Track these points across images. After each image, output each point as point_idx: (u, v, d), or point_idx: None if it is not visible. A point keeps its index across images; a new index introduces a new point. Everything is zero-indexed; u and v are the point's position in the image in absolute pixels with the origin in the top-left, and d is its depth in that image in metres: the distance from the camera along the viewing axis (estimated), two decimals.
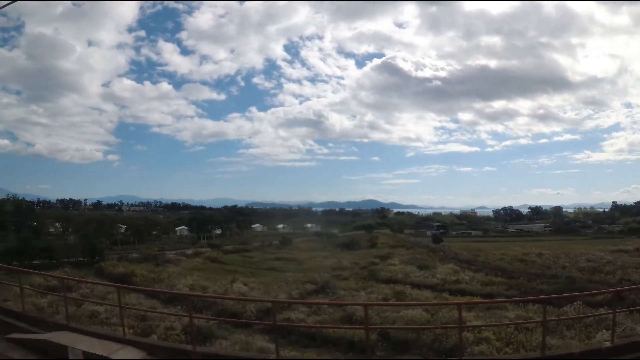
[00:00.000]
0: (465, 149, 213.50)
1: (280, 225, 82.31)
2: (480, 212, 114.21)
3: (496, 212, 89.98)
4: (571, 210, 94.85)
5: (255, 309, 21.50)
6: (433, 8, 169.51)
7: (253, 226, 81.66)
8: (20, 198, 74.39)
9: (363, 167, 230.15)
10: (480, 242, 56.30)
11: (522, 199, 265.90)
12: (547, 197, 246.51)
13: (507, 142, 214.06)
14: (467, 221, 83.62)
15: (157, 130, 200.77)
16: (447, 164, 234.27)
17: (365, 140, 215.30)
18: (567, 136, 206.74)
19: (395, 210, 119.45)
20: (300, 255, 44.34)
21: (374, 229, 72.12)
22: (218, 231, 74.11)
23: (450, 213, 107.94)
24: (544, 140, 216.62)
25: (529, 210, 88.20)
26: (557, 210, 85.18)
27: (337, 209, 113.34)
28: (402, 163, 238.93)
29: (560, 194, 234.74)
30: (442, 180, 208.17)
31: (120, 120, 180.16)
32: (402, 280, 31.22)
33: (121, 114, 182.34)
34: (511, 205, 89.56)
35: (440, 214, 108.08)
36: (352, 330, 16.90)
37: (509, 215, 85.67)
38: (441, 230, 68.21)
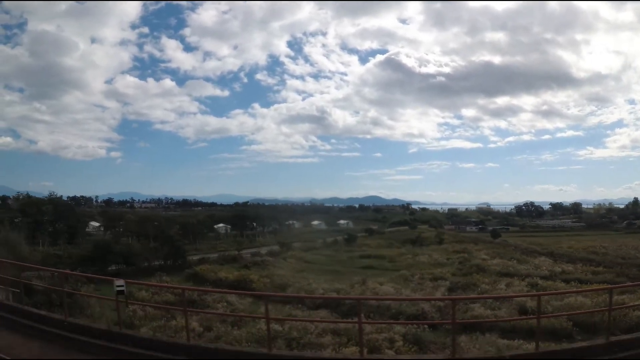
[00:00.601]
0: (468, 145, 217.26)
1: (316, 222, 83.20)
2: (480, 208, 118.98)
3: (518, 207, 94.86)
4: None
5: (434, 309, 22.27)
6: (437, 4, 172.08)
7: (288, 223, 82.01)
8: (57, 196, 71.21)
9: (365, 163, 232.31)
10: (527, 237, 59.64)
11: (525, 195, 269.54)
12: (549, 193, 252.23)
13: (510, 138, 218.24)
14: (492, 217, 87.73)
15: (160, 127, 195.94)
16: (450, 160, 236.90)
17: (368, 136, 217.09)
18: (570, 132, 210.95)
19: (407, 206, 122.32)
20: (382, 252, 45.69)
21: (414, 226, 74.30)
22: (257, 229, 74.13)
23: (466, 209, 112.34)
24: (547, 137, 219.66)
25: (550, 206, 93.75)
26: (577, 206, 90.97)
27: (356, 206, 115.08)
28: (404, 159, 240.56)
29: (563, 190, 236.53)
30: (444, 176, 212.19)
31: (123, 117, 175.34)
32: (514, 273, 33.30)
33: (124, 111, 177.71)
34: (532, 201, 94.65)
35: (455, 209, 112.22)
36: (548, 320, 18.64)
37: (530, 211, 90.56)
38: (480, 226, 71.45)
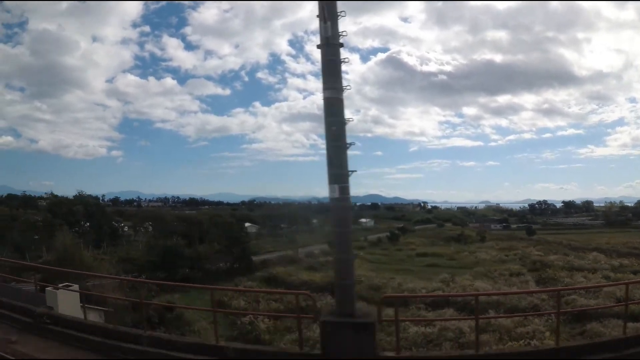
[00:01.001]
0: (469, 143, 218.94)
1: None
2: (481, 207, 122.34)
3: (532, 205, 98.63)
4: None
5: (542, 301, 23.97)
6: (439, 3, 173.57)
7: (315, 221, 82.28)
8: (85, 194, 68.79)
9: (366, 162, 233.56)
10: (555, 234, 62.35)
11: (525, 193, 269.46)
12: (550, 191, 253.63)
13: (511, 137, 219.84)
14: (508, 215, 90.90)
15: (160, 125, 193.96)
16: (450, 159, 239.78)
17: (369, 134, 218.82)
18: (571, 131, 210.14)
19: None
20: (436, 251, 47.14)
21: (441, 224, 76.29)
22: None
23: (475, 207, 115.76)
24: (547, 135, 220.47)
25: (562, 204, 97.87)
26: (588, 204, 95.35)
27: (368, 204, 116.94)
28: (405, 158, 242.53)
29: (564, 188, 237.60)
30: (445, 174, 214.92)
31: (124, 116, 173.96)
32: (579, 267, 35.41)
33: (125, 110, 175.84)
34: (545, 200, 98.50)
35: (465, 207, 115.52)
36: None
37: (544, 209, 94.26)
38: (504, 224, 74.20)
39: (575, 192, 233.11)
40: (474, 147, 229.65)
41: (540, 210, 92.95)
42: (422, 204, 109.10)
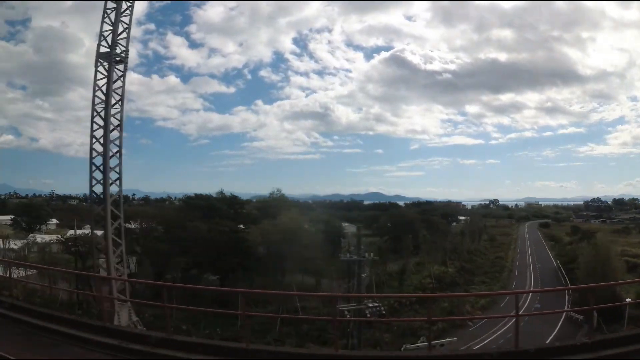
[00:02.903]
0: (470, 141, 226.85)
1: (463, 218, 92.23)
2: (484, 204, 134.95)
3: (586, 202, 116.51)
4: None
5: None
6: (445, 2, 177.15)
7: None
8: (224, 193, 62.03)
9: (367, 160, 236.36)
10: None
11: (526, 191, 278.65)
12: (550, 189, 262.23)
13: (512, 135, 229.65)
14: (572, 211, 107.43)
15: (162, 124, 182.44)
16: (451, 157, 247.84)
17: (371, 132, 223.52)
18: (572, 129, 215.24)
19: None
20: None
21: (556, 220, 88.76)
22: None
23: (516, 205, 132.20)
24: (548, 133, 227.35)
25: (613, 201, 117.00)
26: (635, 201, 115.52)
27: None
28: (406, 155, 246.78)
29: (564, 186, 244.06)
30: (446, 172, 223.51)
31: (126, 114, 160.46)
32: None
33: (127, 108, 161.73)
34: (599, 197, 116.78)
35: (514, 204, 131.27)
36: None
37: (598, 206, 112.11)
38: (601, 219, 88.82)
39: (575, 190, 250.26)
40: (475, 145, 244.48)
41: (594, 207, 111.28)
42: (491, 202, 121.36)
